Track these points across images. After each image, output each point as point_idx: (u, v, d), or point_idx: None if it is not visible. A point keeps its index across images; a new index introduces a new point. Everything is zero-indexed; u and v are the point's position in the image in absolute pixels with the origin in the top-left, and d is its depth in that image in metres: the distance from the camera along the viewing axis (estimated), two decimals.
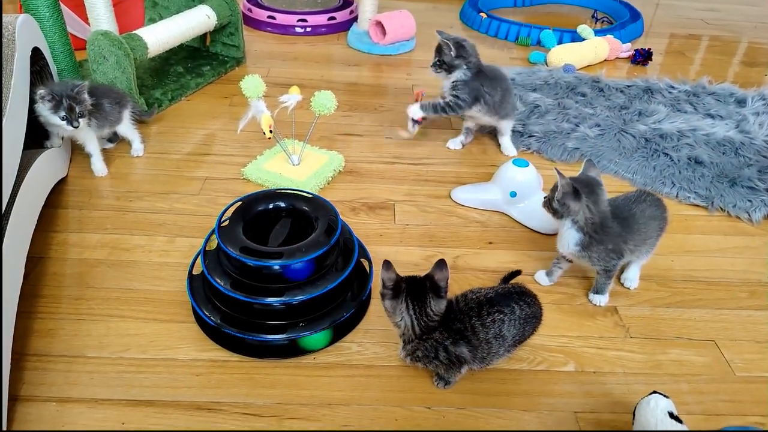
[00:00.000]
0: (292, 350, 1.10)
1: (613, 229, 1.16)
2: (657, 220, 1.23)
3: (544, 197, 1.21)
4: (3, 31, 1.32)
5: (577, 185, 1.14)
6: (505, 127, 1.78)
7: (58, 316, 1.15)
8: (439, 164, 1.73)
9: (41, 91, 1.37)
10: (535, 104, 2.03)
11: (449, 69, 1.64)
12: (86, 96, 1.44)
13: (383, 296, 0.97)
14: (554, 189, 1.17)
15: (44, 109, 1.40)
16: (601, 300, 1.24)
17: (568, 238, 1.18)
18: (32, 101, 1.41)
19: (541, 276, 1.30)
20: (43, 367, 1.04)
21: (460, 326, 0.98)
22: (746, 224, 1.55)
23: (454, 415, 1.01)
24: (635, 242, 1.19)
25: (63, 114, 1.40)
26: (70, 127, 1.42)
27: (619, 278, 1.31)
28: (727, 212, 1.58)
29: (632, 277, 1.30)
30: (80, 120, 1.42)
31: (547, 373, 1.10)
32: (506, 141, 1.80)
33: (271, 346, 1.10)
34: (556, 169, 1.18)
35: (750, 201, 1.59)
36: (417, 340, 0.98)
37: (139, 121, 1.72)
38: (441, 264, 0.96)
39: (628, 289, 1.30)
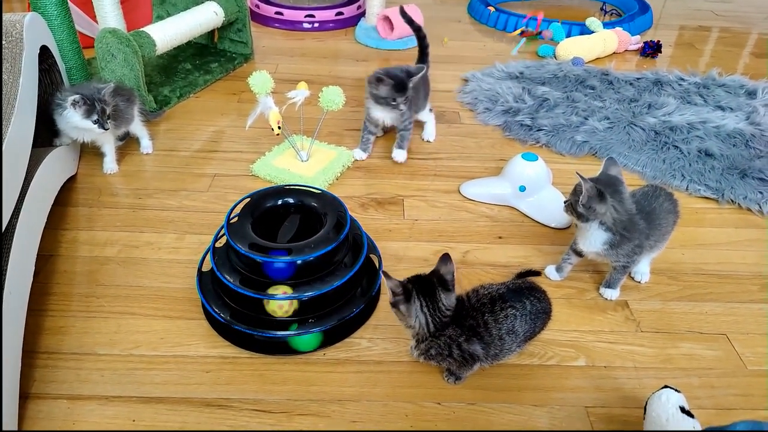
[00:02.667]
0: (286, 350, 1.10)
1: (640, 225, 1.15)
2: (672, 214, 1.22)
3: (565, 201, 1.18)
4: (11, 29, 1.33)
5: (600, 186, 1.11)
6: (425, 116, 1.79)
7: (68, 314, 1.15)
8: (447, 159, 1.73)
9: (74, 98, 1.38)
10: (544, 98, 2.01)
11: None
12: (110, 97, 1.44)
13: (396, 304, 0.97)
14: (576, 192, 1.13)
15: (75, 115, 1.40)
16: (613, 294, 1.24)
17: (595, 238, 1.15)
18: (46, 104, 1.42)
19: (551, 271, 1.29)
20: (54, 364, 1.05)
21: (473, 322, 0.98)
22: (757, 216, 1.54)
23: (465, 411, 1.01)
24: (656, 237, 1.19)
25: (96, 117, 1.41)
26: (101, 130, 1.43)
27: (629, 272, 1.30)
28: (738, 204, 1.57)
29: (643, 270, 1.29)
30: (109, 121, 1.43)
31: (558, 368, 1.09)
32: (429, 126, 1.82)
33: (280, 342, 1.10)
34: (578, 173, 1.13)
35: (761, 193, 1.58)
36: (431, 339, 0.98)
37: (147, 120, 1.73)
38: (445, 258, 0.97)
39: (639, 282, 1.29)
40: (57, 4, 1.68)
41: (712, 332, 1.19)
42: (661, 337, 1.17)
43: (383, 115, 1.61)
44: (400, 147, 1.67)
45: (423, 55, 1.78)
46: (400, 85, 1.52)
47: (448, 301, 0.96)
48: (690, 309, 1.24)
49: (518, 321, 1.00)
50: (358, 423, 0.98)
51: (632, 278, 1.30)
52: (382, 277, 0.96)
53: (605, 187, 1.12)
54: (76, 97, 1.38)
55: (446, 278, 0.97)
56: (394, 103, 1.55)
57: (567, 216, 1.20)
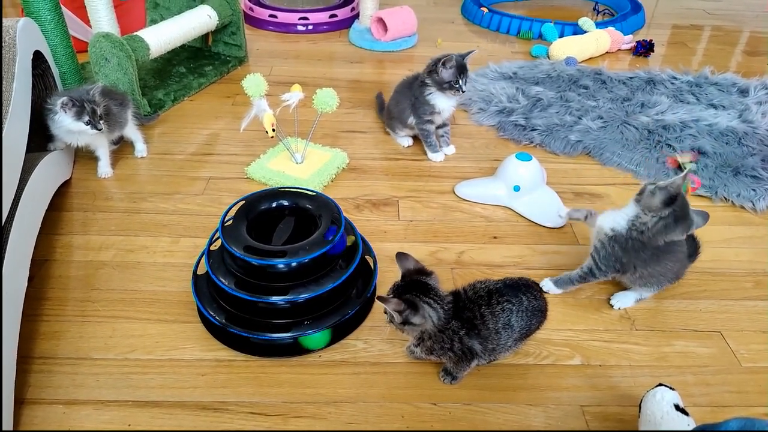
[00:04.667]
0: (296, 349, 1.11)
1: (644, 254, 1.13)
2: (681, 265, 1.20)
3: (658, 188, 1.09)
4: (4, 35, 1.33)
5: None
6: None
7: (63, 319, 1.15)
8: (442, 160, 1.73)
9: (62, 99, 1.38)
10: (538, 98, 2.02)
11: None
12: (99, 97, 1.44)
13: (406, 320, 0.95)
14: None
15: (66, 118, 1.40)
16: (619, 303, 1.23)
17: (617, 219, 1.14)
18: (40, 109, 1.42)
19: (549, 285, 1.26)
20: (49, 369, 1.05)
21: (470, 315, 0.98)
22: (750, 214, 1.55)
23: (461, 411, 1.01)
24: (650, 271, 1.15)
25: (87, 119, 1.40)
26: (94, 131, 1.42)
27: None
28: (731, 202, 1.57)
29: (624, 300, 1.23)
30: (101, 122, 1.43)
31: (553, 367, 1.10)
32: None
33: (276, 344, 1.10)
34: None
35: (754, 190, 1.59)
36: (438, 333, 0.98)
37: (142, 123, 1.72)
38: (399, 256, 1.02)
39: (612, 306, 1.24)
40: (50, 9, 1.68)
41: (706, 330, 1.19)
42: (656, 336, 1.17)
43: (448, 105, 1.64)
44: (448, 143, 1.76)
45: None
46: (463, 66, 1.57)
47: (437, 284, 0.99)
48: (684, 307, 1.24)
49: (514, 315, 1.00)
50: (354, 425, 0.99)
51: (610, 305, 1.26)
52: (382, 302, 0.95)
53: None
54: (64, 99, 1.37)
55: (419, 267, 1.00)
56: (457, 85, 1.57)
57: (561, 216, 1.20)
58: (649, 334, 1.17)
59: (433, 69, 1.59)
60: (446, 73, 1.57)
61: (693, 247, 1.25)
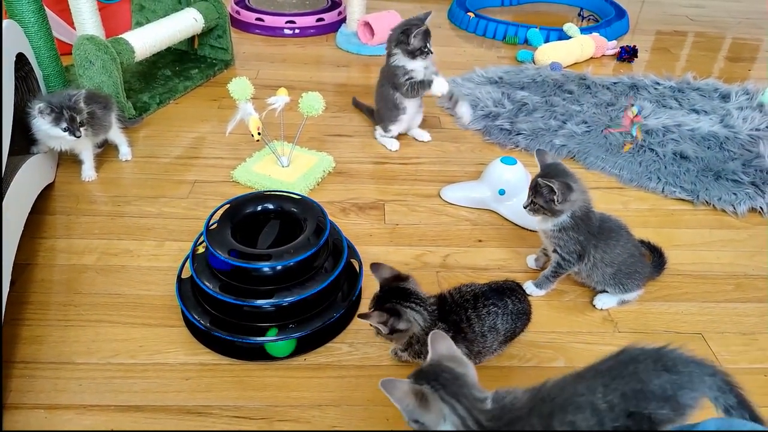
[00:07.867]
0: (260, 355, 1.10)
1: (592, 227, 1.18)
2: (637, 260, 1.22)
3: (530, 204, 1.19)
4: None
5: (563, 179, 1.14)
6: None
7: (45, 323, 1.14)
8: (428, 163, 1.74)
9: (39, 105, 1.36)
10: (523, 102, 2.03)
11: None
12: (83, 105, 1.43)
13: (393, 329, 0.96)
14: (537, 193, 1.16)
15: (44, 123, 1.38)
16: (602, 303, 1.25)
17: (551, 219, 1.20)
18: (24, 113, 1.40)
19: (530, 260, 1.36)
20: (31, 374, 1.04)
21: (456, 318, 0.99)
22: (731, 217, 1.57)
23: None
24: (601, 256, 1.18)
25: (65, 125, 1.39)
26: (72, 138, 1.41)
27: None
28: (713, 206, 1.59)
29: (606, 300, 1.25)
30: (81, 129, 1.42)
31: (537, 369, 1.11)
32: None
33: (258, 348, 1.10)
34: (540, 179, 1.14)
35: (735, 194, 1.61)
36: (425, 336, 0.97)
37: (126, 127, 1.71)
38: (374, 267, 1.02)
39: (594, 306, 1.26)
40: (34, 12, 1.67)
41: (687, 332, 1.21)
42: (639, 337, 1.18)
43: (418, 65, 1.67)
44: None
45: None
46: (427, 31, 1.64)
47: (416, 287, 1.00)
48: (666, 309, 1.26)
49: (500, 319, 1.01)
50: (339, 428, 0.98)
51: (594, 305, 1.27)
52: (364, 319, 0.96)
53: (564, 176, 1.16)
54: (41, 105, 1.36)
55: (394, 273, 1.00)
56: (426, 50, 1.64)
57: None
58: (632, 336, 1.19)
59: (402, 40, 1.64)
60: (417, 42, 1.63)
61: (660, 262, 1.31)
